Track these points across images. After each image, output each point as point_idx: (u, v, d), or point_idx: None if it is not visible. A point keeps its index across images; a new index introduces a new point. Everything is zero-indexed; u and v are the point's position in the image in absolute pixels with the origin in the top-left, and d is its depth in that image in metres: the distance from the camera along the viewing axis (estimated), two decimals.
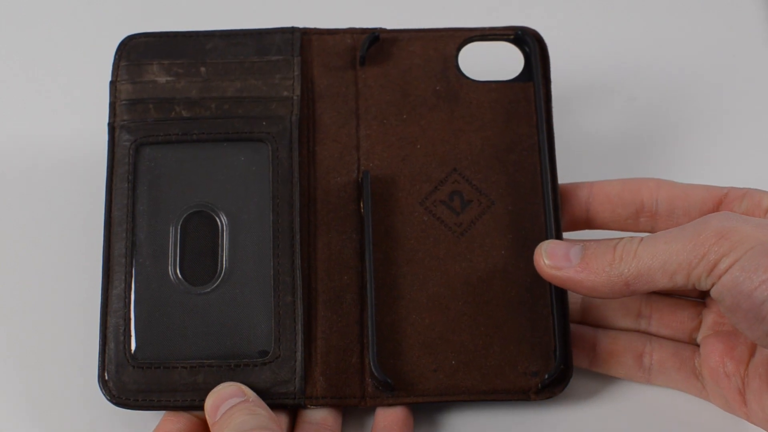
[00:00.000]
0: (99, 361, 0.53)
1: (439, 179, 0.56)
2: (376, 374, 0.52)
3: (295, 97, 0.56)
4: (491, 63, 0.58)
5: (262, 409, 0.51)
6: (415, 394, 0.53)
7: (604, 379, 0.56)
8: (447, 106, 0.57)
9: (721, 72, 0.66)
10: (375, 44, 0.58)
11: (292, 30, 0.58)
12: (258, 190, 0.55)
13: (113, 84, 0.57)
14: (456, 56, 0.58)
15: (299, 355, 0.53)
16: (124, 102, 0.56)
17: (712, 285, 0.48)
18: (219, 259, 0.54)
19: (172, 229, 0.55)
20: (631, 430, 0.55)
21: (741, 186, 0.54)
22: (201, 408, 0.52)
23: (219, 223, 0.55)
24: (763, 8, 0.68)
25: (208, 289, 0.54)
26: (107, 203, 0.55)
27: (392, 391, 0.53)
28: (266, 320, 0.53)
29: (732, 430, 0.54)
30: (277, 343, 0.53)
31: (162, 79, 0.57)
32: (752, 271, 0.46)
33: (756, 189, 0.53)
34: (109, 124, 0.56)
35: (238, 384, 0.52)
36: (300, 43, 0.58)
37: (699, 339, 0.54)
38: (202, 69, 0.57)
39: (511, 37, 0.58)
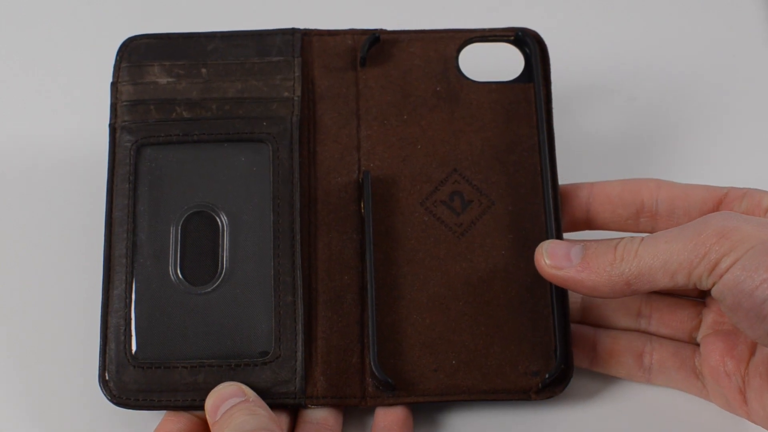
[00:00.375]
0: (100, 361, 0.53)
1: (440, 179, 0.56)
2: (376, 374, 0.52)
3: (295, 98, 0.57)
4: (491, 64, 0.58)
5: (262, 409, 0.51)
6: (415, 394, 0.53)
7: (604, 379, 0.56)
8: (447, 107, 0.57)
9: (721, 72, 0.66)
10: (375, 45, 0.58)
11: (293, 31, 0.58)
12: (258, 190, 0.55)
13: (114, 85, 0.57)
14: (456, 57, 0.58)
15: (300, 355, 0.53)
16: (125, 103, 0.56)
17: (713, 284, 0.48)
18: (219, 260, 0.54)
19: (172, 230, 0.55)
20: (631, 430, 0.55)
21: (741, 186, 0.54)
22: (201, 408, 0.52)
23: (219, 223, 0.55)
24: (763, 8, 0.68)
25: (209, 289, 0.54)
26: (108, 204, 0.55)
27: (393, 390, 0.53)
28: (267, 320, 0.53)
29: (732, 430, 0.54)
30: (278, 343, 0.53)
31: (163, 80, 0.57)
32: (753, 270, 0.46)
33: (756, 189, 0.53)
34: (110, 125, 0.56)
35: (239, 384, 0.52)
36: (300, 44, 0.58)
37: (699, 338, 0.54)
38: (203, 70, 0.57)
39: (512, 38, 0.58)
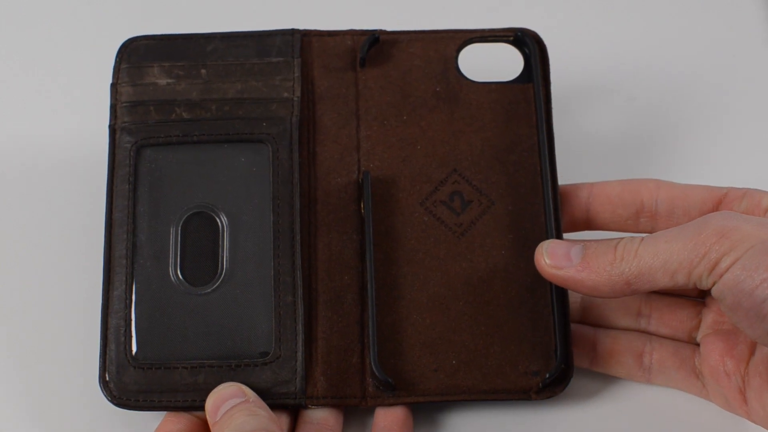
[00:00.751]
0: (100, 361, 0.53)
1: (440, 180, 0.56)
2: (377, 374, 0.52)
3: (295, 99, 0.57)
4: (491, 64, 0.58)
5: (262, 410, 0.51)
6: (415, 394, 0.53)
7: (604, 378, 0.56)
8: (447, 107, 0.57)
9: (721, 72, 0.66)
10: (375, 46, 0.58)
11: (293, 32, 0.58)
12: (258, 191, 0.55)
13: (114, 86, 0.57)
14: (456, 57, 0.58)
15: (300, 355, 0.53)
16: (124, 104, 0.56)
17: (713, 284, 0.48)
18: (219, 260, 0.54)
19: (172, 230, 0.55)
20: (631, 430, 0.55)
21: (741, 186, 0.54)
22: (202, 408, 0.52)
23: (219, 223, 0.55)
24: (763, 8, 0.68)
25: (209, 290, 0.54)
26: (108, 205, 0.55)
27: (393, 390, 0.53)
28: (267, 320, 0.53)
29: (732, 430, 0.54)
30: (278, 344, 0.53)
31: (162, 81, 0.57)
32: (753, 269, 0.46)
33: (756, 189, 0.53)
34: (109, 126, 0.56)
35: (239, 384, 0.52)
36: (300, 44, 0.58)
37: (699, 338, 0.54)
38: (203, 71, 0.57)
39: (511, 38, 0.58)
